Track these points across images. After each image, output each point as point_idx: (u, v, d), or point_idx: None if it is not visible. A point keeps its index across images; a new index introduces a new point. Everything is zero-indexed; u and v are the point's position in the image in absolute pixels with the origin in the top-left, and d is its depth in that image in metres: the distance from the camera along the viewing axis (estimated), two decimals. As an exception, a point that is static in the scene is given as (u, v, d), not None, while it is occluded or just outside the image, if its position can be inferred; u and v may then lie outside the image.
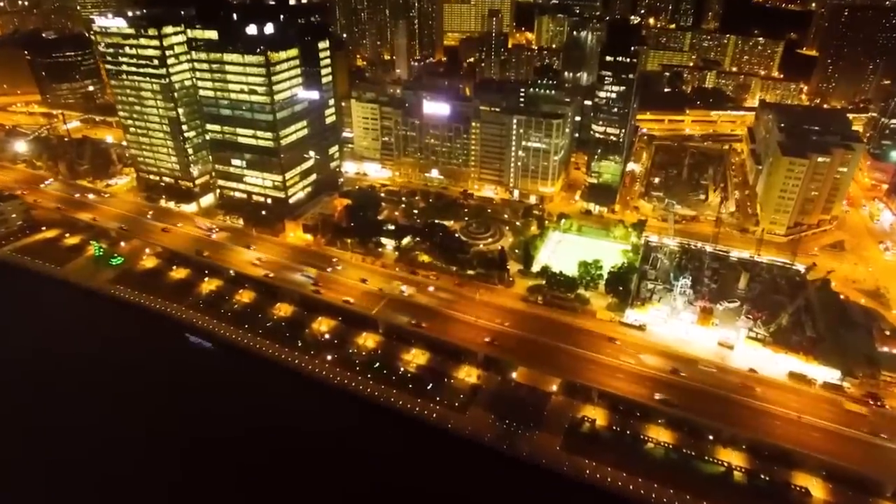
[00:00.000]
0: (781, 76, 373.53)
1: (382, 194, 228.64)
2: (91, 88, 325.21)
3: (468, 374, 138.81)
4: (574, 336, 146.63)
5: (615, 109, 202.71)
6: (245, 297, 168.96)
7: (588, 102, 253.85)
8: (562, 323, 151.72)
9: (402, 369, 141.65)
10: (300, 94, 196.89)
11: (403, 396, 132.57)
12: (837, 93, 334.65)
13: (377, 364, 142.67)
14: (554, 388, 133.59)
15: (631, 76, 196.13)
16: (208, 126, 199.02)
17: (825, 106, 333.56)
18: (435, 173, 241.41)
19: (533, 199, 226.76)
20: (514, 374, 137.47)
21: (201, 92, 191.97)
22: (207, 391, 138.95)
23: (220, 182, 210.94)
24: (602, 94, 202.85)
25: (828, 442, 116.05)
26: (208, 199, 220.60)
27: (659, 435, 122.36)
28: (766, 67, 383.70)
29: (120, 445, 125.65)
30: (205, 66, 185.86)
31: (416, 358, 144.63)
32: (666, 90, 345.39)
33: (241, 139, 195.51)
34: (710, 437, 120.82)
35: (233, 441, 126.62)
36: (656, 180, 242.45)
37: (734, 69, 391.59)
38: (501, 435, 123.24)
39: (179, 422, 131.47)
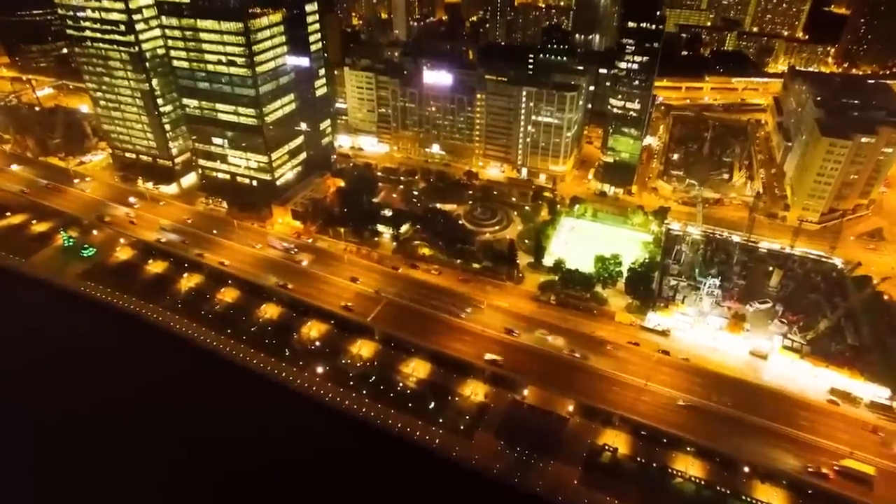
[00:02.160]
0: (807, 37, 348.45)
1: (379, 173, 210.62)
2: (65, 51, 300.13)
3: (474, 392, 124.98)
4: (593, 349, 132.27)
5: (636, 82, 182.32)
6: (228, 295, 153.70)
7: (603, 71, 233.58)
8: (579, 333, 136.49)
9: (400, 384, 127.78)
10: (286, 65, 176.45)
11: (403, 418, 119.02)
12: (869, 56, 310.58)
13: (373, 378, 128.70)
14: (570, 408, 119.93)
15: (655, 45, 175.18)
16: (185, 101, 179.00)
17: (854, 71, 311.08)
18: (436, 149, 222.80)
19: (542, 179, 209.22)
20: (525, 391, 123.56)
21: (175, 63, 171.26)
22: (183, 403, 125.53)
23: (201, 162, 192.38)
24: (622, 65, 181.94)
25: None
26: (190, 179, 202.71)
27: (688, 467, 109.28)
28: (791, 27, 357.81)
29: (85, 456, 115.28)
30: (177, 33, 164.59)
31: (416, 370, 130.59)
32: (683, 53, 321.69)
33: (221, 115, 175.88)
34: (746, 470, 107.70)
35: (207, 460, 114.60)
36: (675, 157, 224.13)
37: (755, 29, 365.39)
38: (512, 465, 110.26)
39: (149, 436, 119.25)
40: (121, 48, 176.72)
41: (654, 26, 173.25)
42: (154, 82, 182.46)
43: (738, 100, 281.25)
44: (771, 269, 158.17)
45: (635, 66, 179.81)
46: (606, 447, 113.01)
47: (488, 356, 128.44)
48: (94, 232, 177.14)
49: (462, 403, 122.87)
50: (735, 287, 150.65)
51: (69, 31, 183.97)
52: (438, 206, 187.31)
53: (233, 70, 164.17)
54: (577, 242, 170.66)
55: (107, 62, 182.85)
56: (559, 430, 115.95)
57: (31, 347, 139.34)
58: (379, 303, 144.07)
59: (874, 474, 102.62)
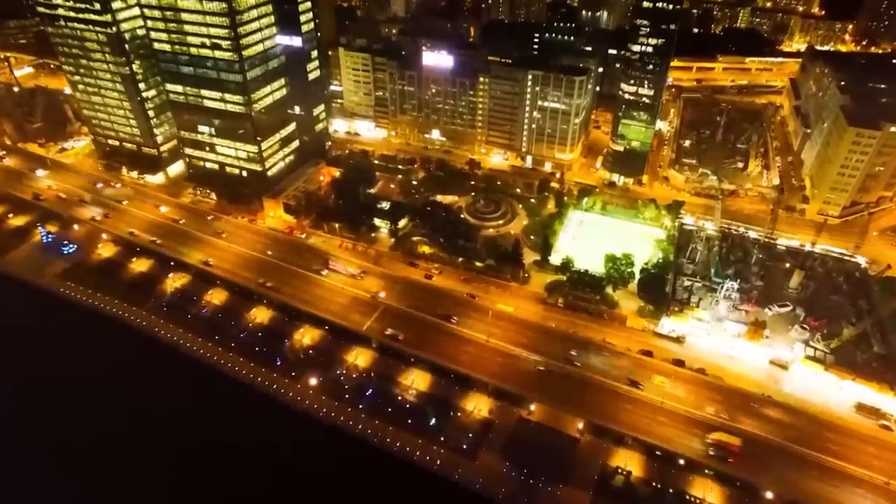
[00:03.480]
0: (823, 13, 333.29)
1: (376, 161, 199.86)
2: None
3: (478, 407, 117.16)
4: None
5: (650, 66, 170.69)
6: (216, 297, 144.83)
7: (613, 51, 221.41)
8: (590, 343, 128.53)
9: (399, 397, 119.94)
10: (276, 47, 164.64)
11: (402, 435, 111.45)
12: (890, 33, 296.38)
13: (370, 391, 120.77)
14: (580, 425, 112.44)
15: (672, 27, 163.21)
16: (168, 86, 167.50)
17: (873, 49, 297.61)
18: (436, 134, 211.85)
19: (548, 167, 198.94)
20: (532, 407, 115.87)
21: (156, 45, 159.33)
22: (165, 415, 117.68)
23: (187, 151, 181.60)
24: (635, 48, 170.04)
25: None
26: (177, 168, 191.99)
27: (706, 493, 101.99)
28: (806, 3, 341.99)
29: (64, 466, 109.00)
30: (157, 13, 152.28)
31: (415, 382, 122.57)
32: (694, 31, 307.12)
33: (206, 102, 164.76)
34: (769, 496, 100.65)
35: (190, 477, 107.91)
36: (687, 143, 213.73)
37: (769, 5, 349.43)
38: (518, 489, 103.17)
39: (126, 447, 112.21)
40: (97, 28, 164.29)
41: (670, 6, 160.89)
42: (135, 65, 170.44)
43: (729, 81, 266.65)
44: (787, 265, 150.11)
45: (650, 50, 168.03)
46: (619, 470, 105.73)
47: (389, 331, 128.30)
48: (76, 227, 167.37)
49: (465, 419, 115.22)
50: (753, 289, 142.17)
51: (40, 9, 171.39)
52: (439, 198, 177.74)
53: (218, 54, 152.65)
54: (585, 238, 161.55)
55: (83, 43, 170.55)
56: (569, 450, 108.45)
57: (6, 354, 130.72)
58: (376, 308, 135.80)
59: (739, 444, 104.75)
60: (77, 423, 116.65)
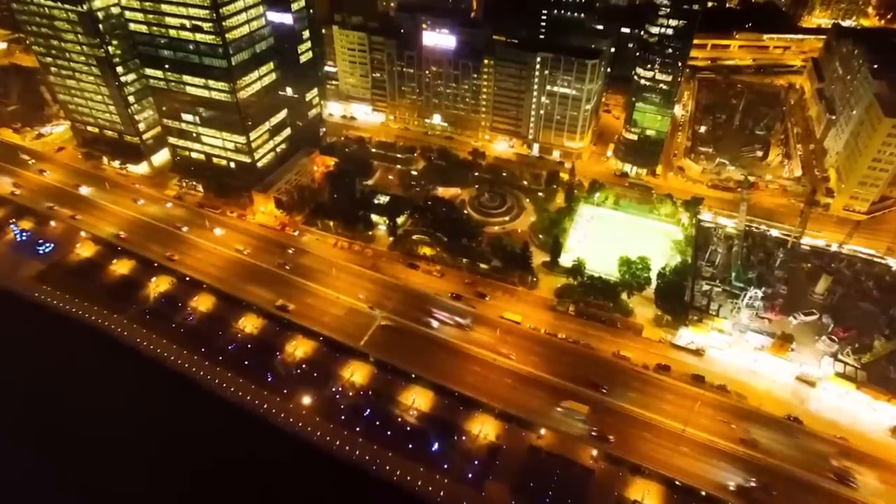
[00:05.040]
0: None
1: (373, 149, 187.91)
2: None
3: (484, 430, 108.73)
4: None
5: (669, 50, 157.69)
6: (202, 304, 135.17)
7: (626, 30, 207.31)
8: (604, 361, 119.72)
9: (399, 419, 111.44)
10: (264, 28, 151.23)
11: (402, 464, 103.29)
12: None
13: (367, 412, 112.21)
14: (594, 452, 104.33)
15: (696, 7, 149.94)
16: (147, 71, 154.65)
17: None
18: (437, 119, 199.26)
19: (556, 156, 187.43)
20: (542, 431, 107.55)
21: (132, 26, 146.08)
22: (147, 437, 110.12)
23: (171, 140, 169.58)
24: (654, 30, 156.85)
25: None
26: (162, 157, 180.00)
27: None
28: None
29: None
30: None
31: (417, 402, 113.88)
32: (709, 5, 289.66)
33: (189, 89, 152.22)
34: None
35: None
36: (702, 129, 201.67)
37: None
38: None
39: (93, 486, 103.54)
40: (66, 6, 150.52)
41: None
42: (111, 47, 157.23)
43: (750, 60, 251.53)
44: (808, 265, 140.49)
45: (669, 32, 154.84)
46: (637, 503, 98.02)
47: (279, 302, 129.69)
48: (52, 223, 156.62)
49: (470, 444, 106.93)
50: (777, 295, 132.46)
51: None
52: (440, 191, 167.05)
53: (199, 37, 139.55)
54: (597, 236, 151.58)
55: (52, 22, 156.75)
56: (583, 481, 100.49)
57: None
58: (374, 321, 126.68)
59: (587, 412, 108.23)
60: (49, 441, 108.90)
